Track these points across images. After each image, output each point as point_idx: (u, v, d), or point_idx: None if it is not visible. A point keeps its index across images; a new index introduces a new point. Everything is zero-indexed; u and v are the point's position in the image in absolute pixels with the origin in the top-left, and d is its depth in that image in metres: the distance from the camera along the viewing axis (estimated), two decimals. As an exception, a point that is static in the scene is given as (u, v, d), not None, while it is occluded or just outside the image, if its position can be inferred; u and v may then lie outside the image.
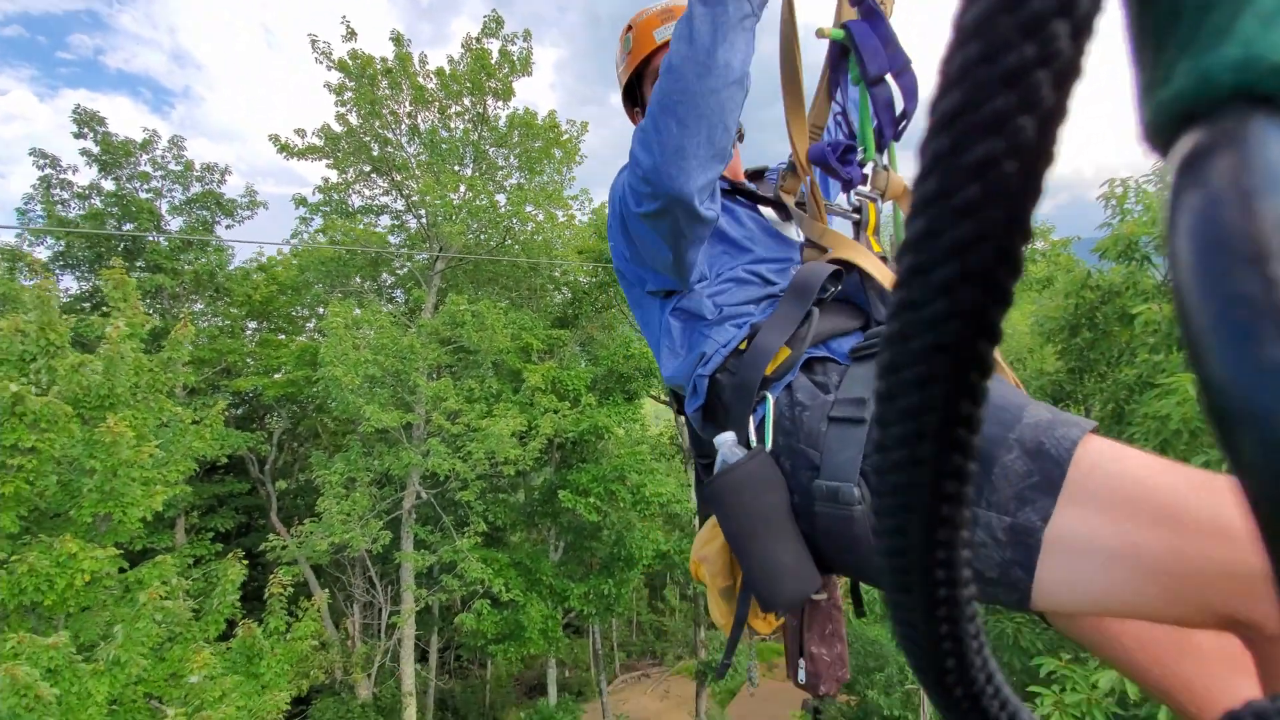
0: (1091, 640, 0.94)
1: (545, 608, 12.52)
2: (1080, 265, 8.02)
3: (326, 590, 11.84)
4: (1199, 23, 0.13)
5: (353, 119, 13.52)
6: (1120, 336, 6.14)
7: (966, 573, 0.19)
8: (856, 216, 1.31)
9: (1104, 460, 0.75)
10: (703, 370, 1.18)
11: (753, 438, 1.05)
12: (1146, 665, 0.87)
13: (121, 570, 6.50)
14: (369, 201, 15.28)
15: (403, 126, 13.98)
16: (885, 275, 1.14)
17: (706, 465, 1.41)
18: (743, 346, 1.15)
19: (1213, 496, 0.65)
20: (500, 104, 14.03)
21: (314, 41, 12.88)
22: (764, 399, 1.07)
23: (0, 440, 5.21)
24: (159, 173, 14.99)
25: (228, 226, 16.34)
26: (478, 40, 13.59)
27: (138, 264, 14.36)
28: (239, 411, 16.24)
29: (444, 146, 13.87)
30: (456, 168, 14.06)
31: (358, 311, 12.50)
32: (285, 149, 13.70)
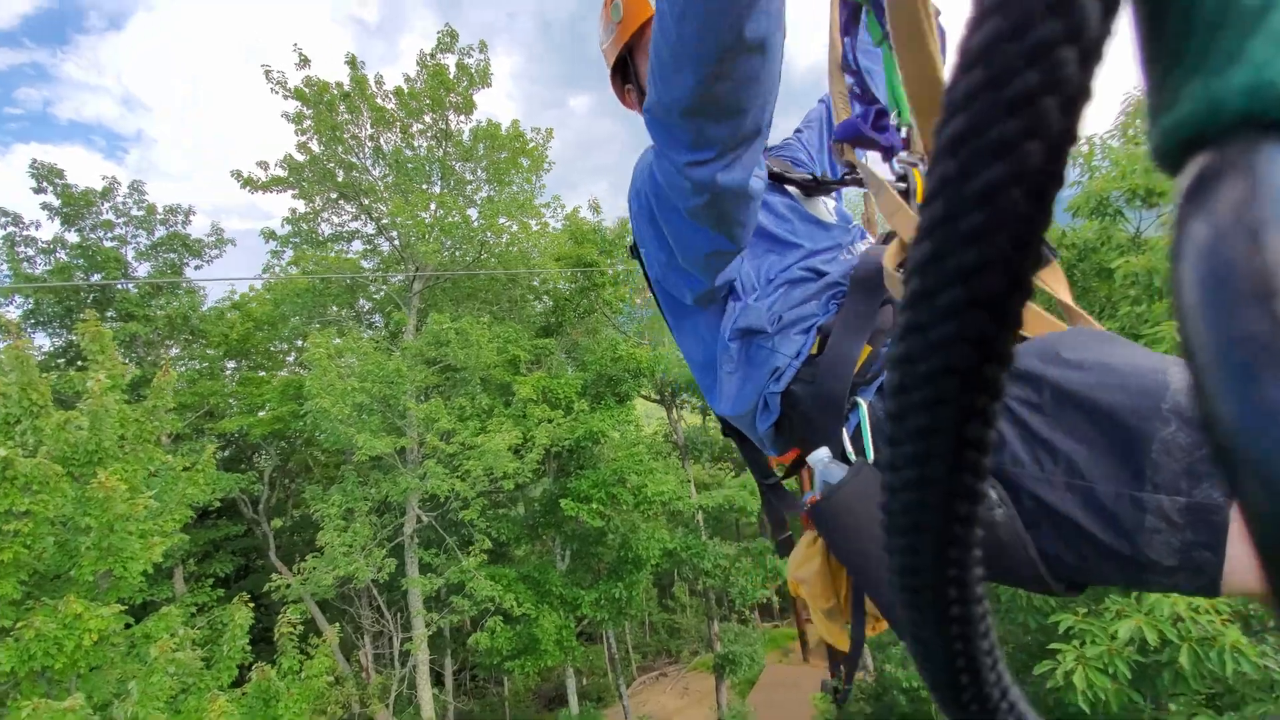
0: None
1: (558, 618, 12.48)
2: (1053, 224, 8.17)
3: (336, 625, 11.68)
4: (1209, 44, 0.13)
5: (314, 146, 13.37)
6: (1100, 291, 6.26)
7: (979, 590, 0.19)
8: (904, 185, 1.20)
9: None
10: (775, 387, 1.09)
11: (849, 450, 0.95)
12: None
13: (127, 626, 6.38)
14: (339, 228, 15.13)
15: (366, 149, 13.84)
16: None
17: (772, 486, 1.35)
18: (814, 351, 1.07)
19: None
20: (463, 118, 13.96)
21: (268, 72, 12.71)
22: (855, 406, 0.97)
23: (-7, 508, 5.09)
24: (122, 219, 14.71)
25: (197, 267, 16.10)
26: (432, 56, 13.51)
27: (109, 314, 14.08)
28: (226, 453, 16.00)
29: (410, 166, 13.76)
30: (425, 186, 13.96)
31: (338, 341, 12.36)
32: (249, 183, 13.51)
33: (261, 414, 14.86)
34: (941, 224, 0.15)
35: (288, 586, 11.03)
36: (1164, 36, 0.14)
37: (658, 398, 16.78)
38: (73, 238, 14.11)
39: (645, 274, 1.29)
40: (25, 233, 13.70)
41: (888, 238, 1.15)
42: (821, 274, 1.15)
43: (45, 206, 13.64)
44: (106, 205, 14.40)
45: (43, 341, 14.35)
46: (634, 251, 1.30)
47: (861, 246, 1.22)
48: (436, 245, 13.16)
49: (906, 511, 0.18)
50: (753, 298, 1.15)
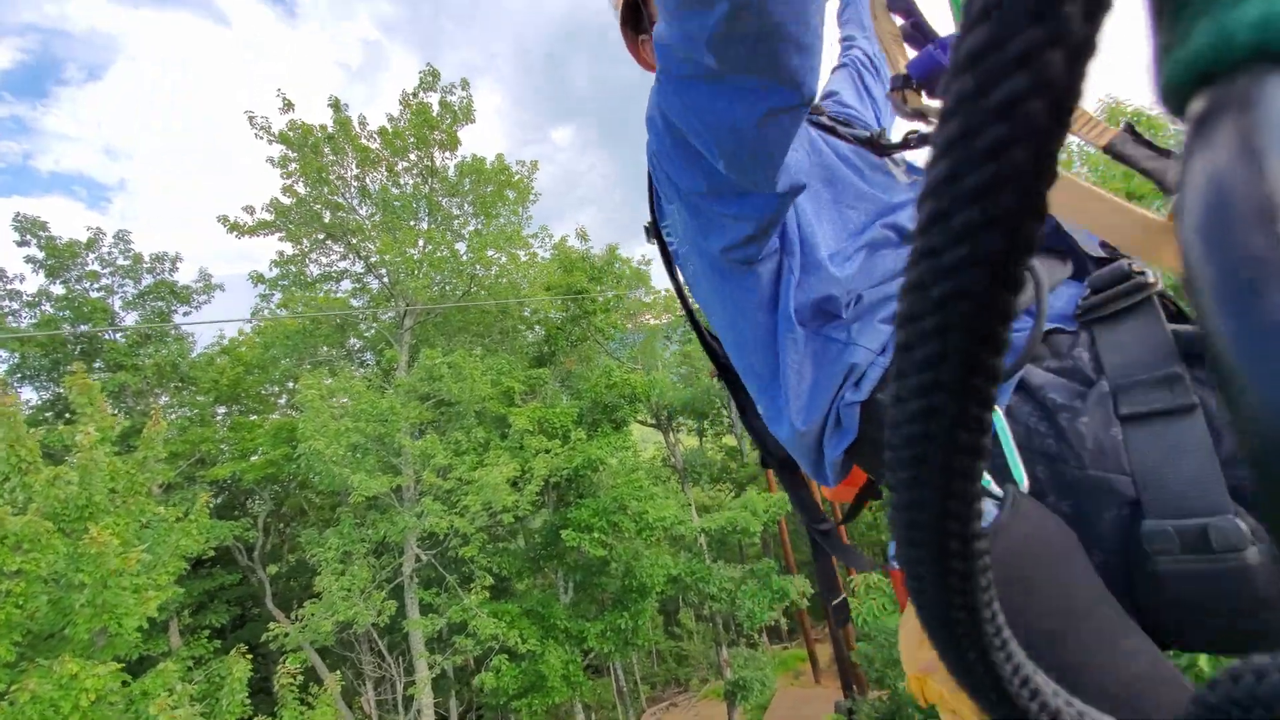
0: None
1: (564, 652, 12.24)
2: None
3: (337, 672, 11.39)
4: None
5: (300, 189, 13.44)
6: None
7: (979, 525, 0.19)
8: None
9: None
10: (853, 395, 0.80)
11: (987, 480, 0.67)
12: None
13: (125, 684, 6.20)
14: (327, 269, 15.13)
15: (352, 189, 13.93)
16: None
17: (824, 533, 1.11)
18: None
19: None
20: (448, 154, 14.11)
21: (251, 118, 12.81)
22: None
23: (-17, 569, 4.97)
24: (108, 270, 14.65)
25: (185, 314, 16.01)
26: (415, 95, 13.69)
27: (96, 365, 13.93)
28: (219, 500, 15.74)
29: (396, 204, 13.85)
30: (412, 222, 14.04)
31: (329, 381, 12.28)
32: (235, 228, 13.52)
33: (254, 459, 14.66)
34: (959, 141, 0.15)
35: (285, 635, 10.77)
36: None
37: (654, 422, 16.73)
38: (58, 290, 14.02)
39: (665, 257, 1.05)
40: (9, 286, 13.61)
41: None
42: (909, 237, 0.88)
43: (29, 259, 13.56)
44: (92, 256, 14.35)
45: (30, 396, 14.16)
46: (651, 232, 1.07)
47: None
48: (426, 280, 13.19)
49: (911, 444, 0.18)
50: (824, 255, 0.87)
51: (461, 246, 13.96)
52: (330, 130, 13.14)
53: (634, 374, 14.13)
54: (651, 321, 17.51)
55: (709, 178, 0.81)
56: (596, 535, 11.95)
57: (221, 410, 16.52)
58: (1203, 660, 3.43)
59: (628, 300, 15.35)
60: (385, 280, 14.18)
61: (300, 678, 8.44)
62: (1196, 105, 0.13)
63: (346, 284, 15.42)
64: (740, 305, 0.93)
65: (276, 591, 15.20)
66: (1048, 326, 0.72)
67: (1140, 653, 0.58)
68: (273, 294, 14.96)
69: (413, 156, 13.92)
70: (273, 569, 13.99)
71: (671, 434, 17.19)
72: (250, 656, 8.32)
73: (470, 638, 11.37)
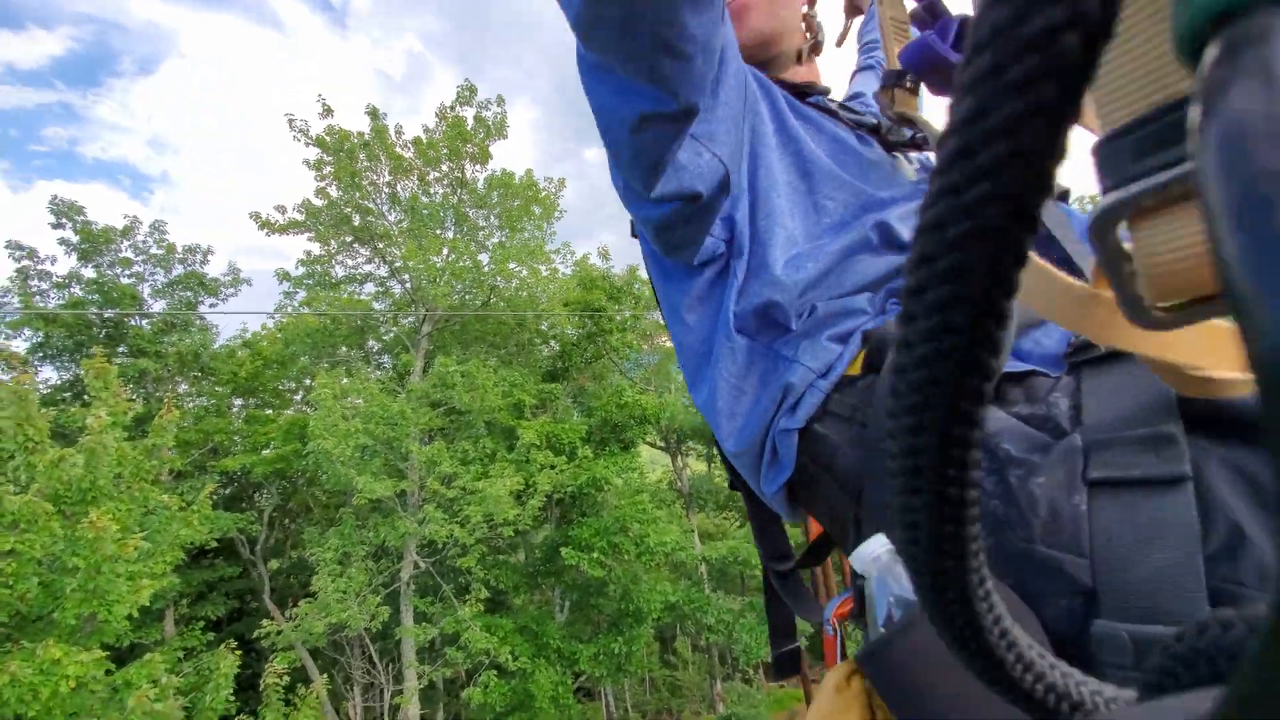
0: None
1: (554, 673, 12.04)
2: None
3: (325, 675, 11.31)
4: None
5: (333, 192, 13.70)
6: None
7: (976, 474, 0.19)
8: None
9: None
10: (787, 421, 0.71)
11: None
12: None
13: (109, 672, 6.18)
14: (352, 270, 15.37)
15: (383, 195, 14.18)
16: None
17: (781, 574, 0.97)
18: (855, 371, 0.68)
19: None
20: (478, 167, 14.31)
21: (291, 120, 13.14)
22: None
23: (-24, 545, 5.00)
24: (140, 257, 15.00)
25: (212, 305, 16.32)
26: (452, 108, 13.95)
27: (120, 350, 14.21)
28: (227, 491, 15.86)
29: (425, 212, 14.05)
30: (438, 231, 14.22)
31: (345, 380, 12.38)
32: (266, 225, 13.80)
33: (265, 452, 14.79)
34: (990, 74, 0.15)
35: (278, 632, 10.74)
36: None
37: (663, 444, 16.59)
38: (89, 273, 14.37)
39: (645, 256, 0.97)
40: (40, 267, 13.97)
41: None
42: (896, 242, 0.77)
43: (63, 242, 13.93)
44: (126, 243, 14.71)
45: (50, 375, 14.46)
46: (633, 229, 1.00)
47: None
48: (447, 289, 13.31)
49: (916, 390, 0.18)
50: (777, 256, 0.77)
51: (484, 258, 14.08)
52: (367, 137, 13.42)
53: (646, 395, 14.05)
54: (667, 344, 17.46)
55: (625, 186, 0.76)
56: (596, 555, 11.80)
57: (238, 402, 16.74)
58: None
59: (645, 321, 15.33)
60: (408, 286, 14.34)
61: (286, 678, 8.37)
62: (1213, 45, 0.14)
63: (370, 287, 15.65)
64: (679, 309, 0.86)
65: (275, 587, 15.21)
66: (1022, 369, 0.59)
67: None
68: (297, 292, 15.21)
69: (444, 167, 14.15)
70: (274, 564, 14.02)
71: (680, 458, 17.02)
72: (241, 652, 8.30)
73: (461, 650, 11.24)
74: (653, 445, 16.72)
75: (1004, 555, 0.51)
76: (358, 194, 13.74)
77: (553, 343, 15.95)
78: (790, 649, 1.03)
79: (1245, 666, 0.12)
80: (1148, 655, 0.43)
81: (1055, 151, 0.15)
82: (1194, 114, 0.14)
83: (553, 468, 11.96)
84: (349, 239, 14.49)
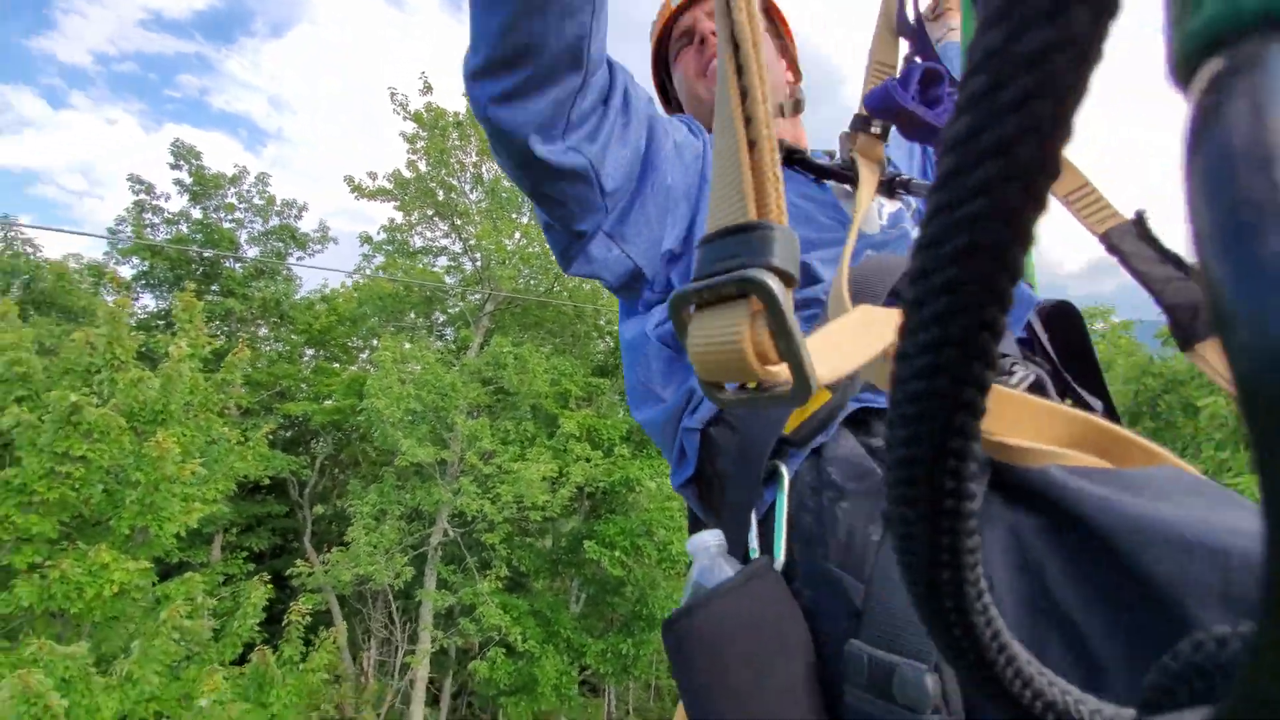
0: None
1: (561, 662, 12.15)
2: (1142, 350, 7.63)
3: (346, 622, 11.82)
4: None
5: (421, 166, 14.27)
6: (1184, 429, 5.77)
7: (973, 486, 0.19)
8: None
9: None
10: (690, 421, 0.77)
11: (753, 542, 0.61)
12: None
13: (154, 584, 6.66)
14: (429, 242, 15.96)
15: (467, 174, 14.66)
16: None
17: None
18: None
19: None
20: (562, 157, 14.57)
21: (393, 94, 13.77)
22: (777, 473, 0.63)
23: (53, 448, 5.49)
24: (243, 205, 16.08)
25: (299, 259, 17.29)
26: (545, 97, 14.26)
27: (213, 288, 15.27)
28: (288, 434, 16.77)
29: (504, 195, 14.44)
30: (514, 215, 14.59)
31: (407, 346, 12.88)
32: (358, 189, 14.50)
33: (326, 403, 15.58)
34: (985, 95, 0.15)
35: (310, 574, 11.30)
36: None
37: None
38: (196, 214, 15.51)
39: None
40: (154, 202, 15.17)
41: None
42: (813, 277, 0.81)
43: (178, 183, 15.09)
44: (232, 190, 15.80)
45: (149, 302, 15.69)
46: None
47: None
48: (514, 271, 13.65)
49: (914, 400, 0.18)
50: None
51: (554, 246, 14.35)
52: (460, 117, 13.91)
53: (692, 404, 13.96)
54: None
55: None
56: (618, 554, 11.83)
57: (309, 352, 17.69)
58: None
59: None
60: (478, 264, 14.78)
61: (308, 619, 8.78)
62: (1204, 72, 0.14)
63: (443, 260, 16.21)
64: (622, 318, 0.95)
65: (316, 531, 16.00)
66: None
67: None
68: (376, 255, 15.92)
69: (530, 153, 14.48)
70: (319, 509, 14.75)
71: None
72: (273, 586, 8.78)
73: (474, 623, 11.51)
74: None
75: (809, 570, 0.57)
76: (444, 170, 14.25)
77: (607, 338, 16.10)
78: None
79: (1237, 684, 0.12)
80: (876, 678, 0.47)
81: (1048, 169, 0.15)
82: (1183, 139, 0.14)
83: (588, 460, 12.08)
84: (430, 212, 15.05)
